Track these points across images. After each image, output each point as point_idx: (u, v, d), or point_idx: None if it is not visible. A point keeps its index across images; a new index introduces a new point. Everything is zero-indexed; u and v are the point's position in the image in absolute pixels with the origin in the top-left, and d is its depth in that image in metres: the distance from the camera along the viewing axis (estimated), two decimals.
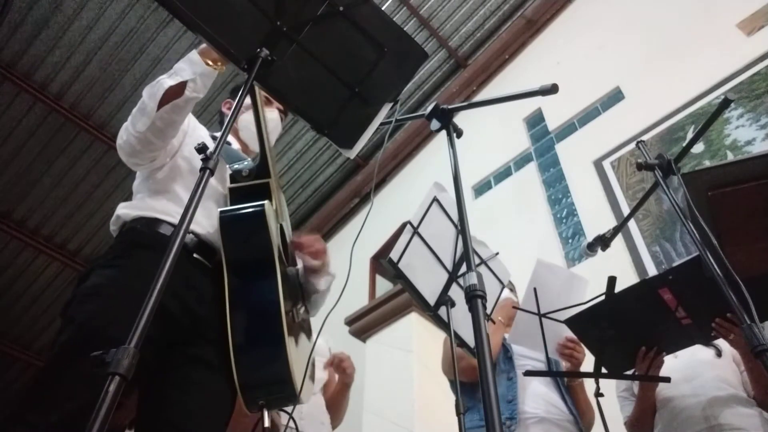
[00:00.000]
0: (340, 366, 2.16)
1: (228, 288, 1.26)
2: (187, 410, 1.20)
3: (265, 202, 1.32)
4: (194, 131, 1.52)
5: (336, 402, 2.20)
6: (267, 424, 1.22)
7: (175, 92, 1.30)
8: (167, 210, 1.35)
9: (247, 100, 1.62)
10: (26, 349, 7.38)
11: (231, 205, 1.36)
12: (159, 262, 0.78)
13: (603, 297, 1.72)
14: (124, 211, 1.38)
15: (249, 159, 1.53)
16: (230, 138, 1.68)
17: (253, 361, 1.21)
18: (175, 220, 1.31)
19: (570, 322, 1.80)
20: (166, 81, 1.31)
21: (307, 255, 1.49)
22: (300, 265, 1.53)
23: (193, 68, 1.32)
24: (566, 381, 2.05)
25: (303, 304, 1.51)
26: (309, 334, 1.53)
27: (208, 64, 1.33)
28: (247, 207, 1.32)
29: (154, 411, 1.22)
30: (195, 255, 1.31)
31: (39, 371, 1.14)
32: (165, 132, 1.34)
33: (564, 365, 2.06)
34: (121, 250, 1.30)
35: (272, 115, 1.75)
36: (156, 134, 1.32)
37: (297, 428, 1.52)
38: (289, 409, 1.33)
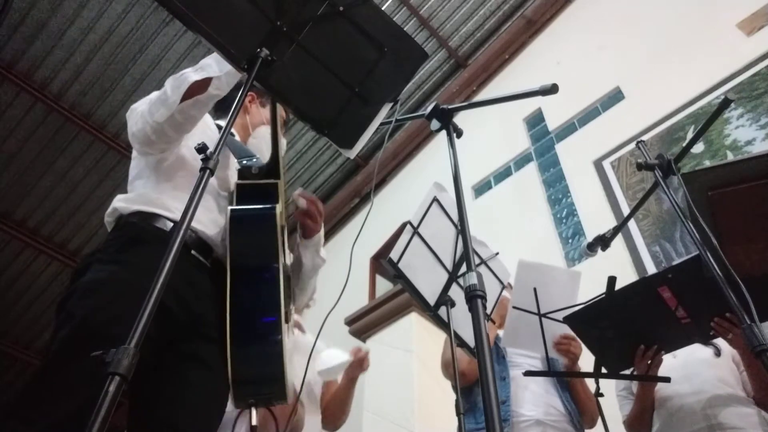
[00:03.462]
0: (362, 361, 2.12)
1: (230, 285, 1.25)
2: (180, 408, 1.19)
3: (277, 204, 1.31)
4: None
5: (342, 397, 2.16)
6: (254, 422, 1.22)
7: (200, 88, 1.28)
8: (167, 205, 1.33)
9: (266, 113, 1.65)
10: (26, 348, 7.38)
11: (237, 201, 1.35)
12: (159, 258, 0.78)
13: (603, 296, 1.72)
14: (122, 204, 1.35)
15: (257, 156, 1.53)
16: (233, 131, 1.66)
17: (249, 358, 1.21)
18: (174, 216, 1.30)
19: (569, 320, 1.80)
20: (192, 75, 1.28)
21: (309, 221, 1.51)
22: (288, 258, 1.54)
23: (221, 66, 1.30)
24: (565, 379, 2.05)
25: (292, 299, 1.51)
26: (295, 330, 1.54)
27: None
28: (260, 209, 1.31)
29: (147, 409, 1.20)
30: (193, 252, 1.30)
31: (39, 367, 1.11)
32: (183, 126, 1.32)
33: (562, 363, 2.06)
34: (120, 245, 1.27)
35: (281, 144, 1.76)
36: (174, 127, 1.30)
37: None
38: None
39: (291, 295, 1.50)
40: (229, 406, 1.27)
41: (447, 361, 2.11)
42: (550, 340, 1.95)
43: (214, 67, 1.30)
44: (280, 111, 1.78)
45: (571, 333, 1.95)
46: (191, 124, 1.34)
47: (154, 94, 1.35)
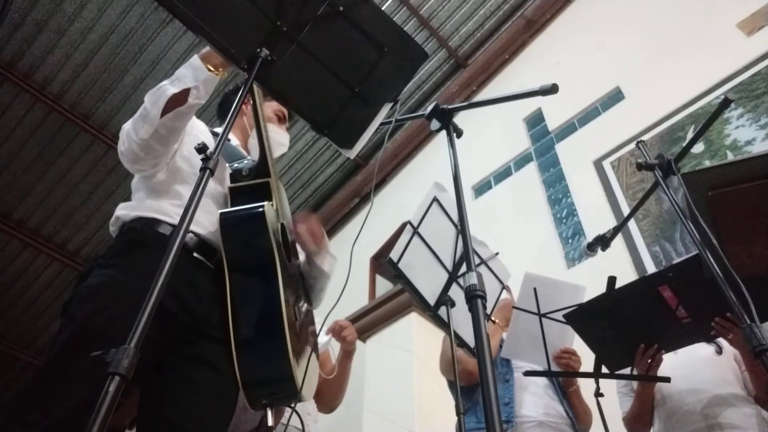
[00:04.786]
0: (341, 334, 2.05)
1: (229, 288, 1.26)
2: (186, 410, 1.19)
3: (265, 203, 1.32)
4: (192, 128, 1.51)
5: (338, 374, 2.09)
6: (270, 423, 1.23)
7: (178, 99, 1.29)
8: (167, 210, 1.34)
9: (264, 112, 1.64)
10: (26, 349, 7.38)
11: (231, 204, 1.36)
12: (159, 261, 0.78)
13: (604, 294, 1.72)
14: (124, 212, 1.37)
15: (249, 158, 1.53)
16: (231, 135, 1.66)
17: (255, 360, 1.22)
18: (175, 221, 1.31)
19: (570, 318, 1.80)
20: (169, 88, 1.29)
21: (307, 241, 1.50)
22: (302, 257, 1.53)
23: (196, 74, 1.31)
24: (562, 384, 2.05)
25: (305, 299, 1.51)
26: (312, 331, 1.54)
27: (210, 70, 1.32)
28: (247, 208, 1.32)
29: (154, 411, 1.22)
30: (195, 254, 1.31)
31: (38, 369, 1.13)
32: (168, 139, 1.33)
33: None
34: (120, 250, 1.29)
35: (283, 139, 1.75)
36: (159, 141, 1.31)
37: (303, 424, 1.52)
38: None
39: (302, 291, 1.50)
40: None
41: (449, 361, 2.11)
42: (550, 353, 1.95)
43: (189, 77, 1.31)
44: (278, 106, 1.78)
45: (572, 348, 1.96)
46: (176, 136, 1.36)
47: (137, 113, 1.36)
